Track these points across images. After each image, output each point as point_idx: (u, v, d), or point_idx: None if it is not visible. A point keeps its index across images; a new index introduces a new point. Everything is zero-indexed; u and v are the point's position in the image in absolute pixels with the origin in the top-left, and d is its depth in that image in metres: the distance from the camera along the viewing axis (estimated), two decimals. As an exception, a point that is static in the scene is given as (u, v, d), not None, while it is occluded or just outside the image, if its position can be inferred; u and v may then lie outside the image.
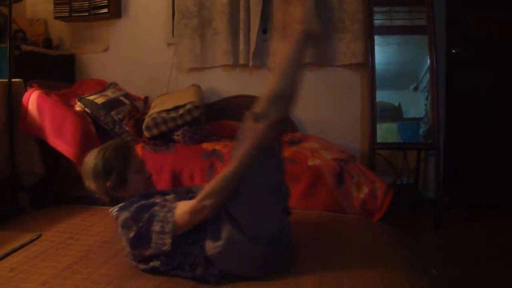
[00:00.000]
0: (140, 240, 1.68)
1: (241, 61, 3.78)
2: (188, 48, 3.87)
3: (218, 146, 3.06)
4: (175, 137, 3.17)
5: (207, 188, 1.65)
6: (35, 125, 3.14)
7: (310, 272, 1.71)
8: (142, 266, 1.76)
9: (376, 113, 3.49)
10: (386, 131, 3.65)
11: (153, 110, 3.26)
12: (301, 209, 2.68)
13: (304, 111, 3.84)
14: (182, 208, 1.66)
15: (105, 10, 3.96)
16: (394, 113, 3.79)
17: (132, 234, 1.68)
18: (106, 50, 4.16)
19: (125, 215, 1.72)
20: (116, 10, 4.04)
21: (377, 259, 1.86)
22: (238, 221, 1.64)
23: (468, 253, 2.89)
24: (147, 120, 3.16)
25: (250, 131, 1.70)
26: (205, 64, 3.90)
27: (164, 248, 1.65)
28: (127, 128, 3.27)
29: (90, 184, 1.85)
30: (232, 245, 1.63)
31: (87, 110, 3.25)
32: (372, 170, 3.27)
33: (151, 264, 1.72)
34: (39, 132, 3.14)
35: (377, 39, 3.66)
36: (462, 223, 3.48)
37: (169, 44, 4.00)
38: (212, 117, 3.67)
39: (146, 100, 3.69)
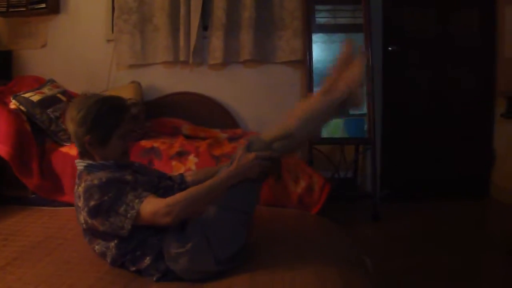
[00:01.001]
0: (98, 212, 1.65)
1: (182, 58, 3.77)
2: (128, 45, 3.83)
3: (156, 143, 3.06)
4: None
5: (178, 196, 1.66)
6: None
7: (243, 265, 1.73)
8: (96, 247, 1.76)
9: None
10: (332, 127, 3.71)
11: (91, 108, 3.22)
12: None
13: (245, 107, 3.90)
14: (150, 203, 1.63)
15: (43, 5, 3.86)
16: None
17: (93, 203, 1.64)
18: (44, 46, 4.06)
19: (92, 180, 1.67)
20: (54, 5, 3.95)
21: (312, 251, 1.91)
22: (208, 236, 1.67)
23: (404, 244, 3.01)
24: (84, 118, 3.13)
25: (241, 158, 1.74)
26: (146, 61, 3.87)
27: (122, 232, 1.64)
28: (63, 126, 3.22)
29: (71, 127, 1.78)
30: (195, 254, 1.65)
31: (22, 108, 3.17)
32: (310, 165, 3.36)
33: (109, 244, 1.72)
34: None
35: (321, 37, 3.72)
36: (400, 215, 3.58)
37: (109, 40, 3.95)
38: (153, 114, 3.66)
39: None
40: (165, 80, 3.94)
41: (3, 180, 3.07)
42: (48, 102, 3.30)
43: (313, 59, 3.62)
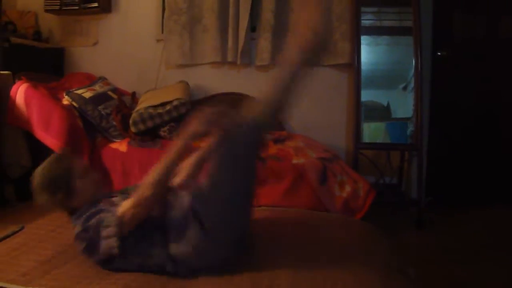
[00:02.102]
0: (90, 249, 1.69)
1: (229, 59, 3.80)
2: (177, 45, 3.88)
3: (203, 143, 3.09)
4: (162, 133, 3.20)
5: (145, 181, 1.65)
6: (22, 118, 3.16)
7: (285, 268, 1.72)
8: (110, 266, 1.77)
9: (360, 113, 3.54)
10: (374, 131, 3.70)
11: (140, 106, 3.29)
12: (284, 206, 2.73)
13: (291, 109, 3.87)
14: (125, 206, 1.64)
15: (95, 4, 3.95)
16: (382, 112, 3.83)
17: (83, 245, 1.69)
18: (95, 44, 4.16)
19: (77, 228, 1.72)
20: (106, 4, 4.04)
21: (354, 257, 1.88)
22: (204, 224, 1.66)
23: (448, 252, 2.93)
24: (134, 115, 3.19)
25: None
26: (194, 61, 3.92)
27: (113, 251, 1.64)
28: (114, 123, 3.29)
29: (42, 198, 1.80)
30: (197, 249, 1.66)
31: (75, 104, 3.26)
32: (355, 169, 3.33)
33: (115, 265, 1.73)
34: (26, 124, 3.16)
35: (366, 39, 3.70)
36: (444, 223, 3.51)
37: (158, 40, 4.02)
38: (199, 114, 3.70)
39: (133, 95, 3.71)
40: (213, 80, 3.97)
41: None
42: (99, 99, 3.38)
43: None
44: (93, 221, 1.67)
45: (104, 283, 1.63)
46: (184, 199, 1.77)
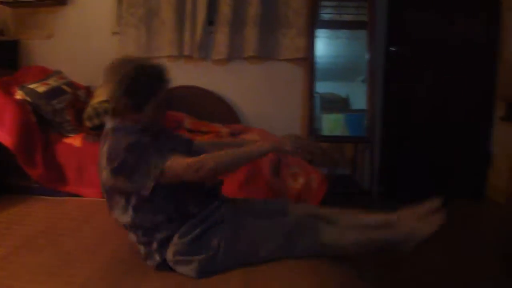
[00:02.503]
0: (121, 171, 1.70)
1: (186, 52, 3.81)
2: (134, 38, 3.87)
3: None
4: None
5: (214, 154, 1.75)
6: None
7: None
8: (116, 212, 1.83)
9: (314, 106, 3.61)
10: (333, 122, 3.76)
11: (95, 100, 3.27)
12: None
13: (247, 103, 3.94)
14: (177, 160, 1.69)
15: (50, -3, 3.92)
16: (341, 104, 3.91)
17: (116, 162, 1.69)
18: (51, 37, 4.10)
19: (118, 141, 1.73)
20: (61, -3, 4.00)
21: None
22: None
23: None
24: (88, 110, 3.17)
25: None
26: (150, 54, 3.89)
27: (143, 191, 1.69)
28: (68, 118, 3.26)
29: (107, 86, 1.83)
30: (200, 267, 1.73)
31: (28, 99, 3.21)
32: (309, 161, 3.39)
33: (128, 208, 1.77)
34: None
35: (326, 32, 3.78)
36: (395, 210, 3.60)
37: (114, 33, 3.99)
38: (156, 108, 3.70)
39: (88, 89, 3.68)
40: (169, 73, 3.95)
41: (7, 170, 3.13)
42: (53, 94, 3.34)
43: (317, 54, 3.66)
44: (138, 150, 1.71)
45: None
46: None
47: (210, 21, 3.86)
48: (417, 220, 1.98)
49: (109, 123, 1.85)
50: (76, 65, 3.97)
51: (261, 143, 1.87)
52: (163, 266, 1.78)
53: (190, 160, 1.69)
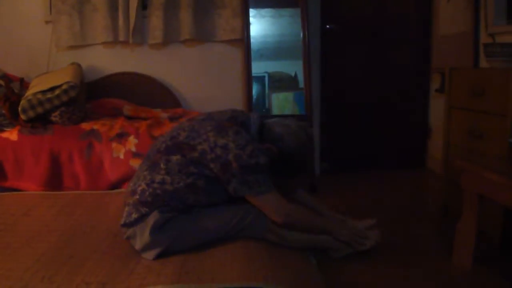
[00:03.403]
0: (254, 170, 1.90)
1: (121, 38, 3.76)
2: (67, 26, 3.78)
3: (96, 126, 3.10)
4: (53, 119, 3.15)
5: (302, 210, 2.14)
6: None
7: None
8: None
9: (251, 87, 3.65)
10: (283, 101, 3.82)
11: (30, 92, 3.21)
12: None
13: (186, 86, 3.95)
14: (275, 196, 1.95)
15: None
16: (290, 83, 3.97)
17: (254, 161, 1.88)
18: (-20, 28, 3.98)
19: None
20: (-11, -16, 3.87)
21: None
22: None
23: (340, 212, 3.12)
24: (23, 102, 3.11)
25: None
26: (85, 42, 3.84)
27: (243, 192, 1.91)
28: (3, 111, 3.20)
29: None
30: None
31: None
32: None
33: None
34: None
35: (269, 11, 3.81)
36: (338, 187, 3.73)
37: (47, 22, 3.89)
38: (94, 95, 3.68)
39: (22, 81, 3.61)
40: (106, 60, 3.92)
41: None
42: (-15, 87, 3.27)
43: (261, 33, 3.73)
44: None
45: None
46: None
47: (144, 5, 3.82)
48: (356, 234, 2.25)
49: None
50: (9, 56, 3.87)
51: (341, 230, 2.20)
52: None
53: (286, 205, 1.99)
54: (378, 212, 2.97)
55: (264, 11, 3.97)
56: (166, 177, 1.89)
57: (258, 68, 3.83)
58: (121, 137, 3.01)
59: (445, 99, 3.00)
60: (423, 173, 4.16)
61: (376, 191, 3.65)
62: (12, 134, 3.06)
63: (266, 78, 4.02)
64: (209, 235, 1.93)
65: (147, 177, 1.93)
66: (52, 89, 3.15)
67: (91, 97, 3.62)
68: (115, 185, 2.95)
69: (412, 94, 4.25)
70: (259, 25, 3.89)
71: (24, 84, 3.56)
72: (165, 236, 1.86)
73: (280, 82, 3.95)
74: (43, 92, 3.13)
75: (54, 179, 2.98)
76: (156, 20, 3.76)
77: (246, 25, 3.67)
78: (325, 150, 4.09)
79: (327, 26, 4.00)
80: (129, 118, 3.42)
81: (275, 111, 3.82)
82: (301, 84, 3.88)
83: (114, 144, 2.98)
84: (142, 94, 3.81)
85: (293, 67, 4.00)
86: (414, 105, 4.26)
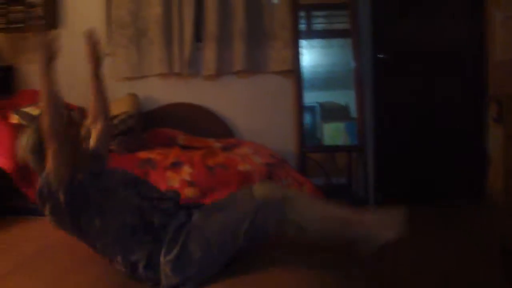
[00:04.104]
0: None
1: (176, 70, 3.88)
2: (125, 58, 3.94)
3: (152, 155, 3.17)
4: (111, 147, 3.24)
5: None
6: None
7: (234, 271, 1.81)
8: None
9: (303, 117, 3.66)
10: (334, 131, 3.80)
11: (89, 121, 3.32)
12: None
13: (238, 117, 3.99)
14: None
15: (42, 21, 3.99)
16: (341, 112, 3.95)
17: None
18: (43, 60, 4.17)
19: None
20: (52, 21, 4.07)
21: (297, 257, 1.96)
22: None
23: (395, 248, 3.02)
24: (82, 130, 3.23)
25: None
26: (142, 73, 3.98)
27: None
28: (63, 139, 3.32)
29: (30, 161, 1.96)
30: (200, 261, 1.74)
31: (23, 122, 3.29)
32: (303, 172, 3.45)
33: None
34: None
35: (319, 42, 3.85)
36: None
37: (105, 54, 4.05)
38: (150, 125, 3.76)
39: (82, 110, 3.74)
40: (161, 91, 4.04)
41: (6, 192, 3.19)
42: (47, 116, 3.40)
43: (312, 64, 3.76)
44: None
45: None
46: (181, 213, 1.88)
47: (198, 38, 3.93)
48: (382, 225, 1.93)
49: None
50: (70, 87, 4.03)
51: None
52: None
53: None
54: (431, 250, 2.88)
55: (314, 42, 4.00)
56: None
57: (309, 98, 3.84)
58: (176, 166, 3.06)
59: (503, 129, 2.90)
60: (482, 204, 3.97)
61: (431, 224, 3.52)
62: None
63: (317, 108, 4.01)
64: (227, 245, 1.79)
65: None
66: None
67: (146, 126, 3.71)
68: (169, 214, 2.99)
69: (468, 123, 4.11)
70: (309, 56, 3.91)
71: (83, 113, 3.68)
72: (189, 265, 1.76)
73: (331, 112, 3.94)
74: (102, 121, 3.23)
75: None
76: (209, 52, 3.85)
77: (297, 56, 3.70)
78: (379, 180, 4.01)
79: (379, 56, 3.98)
80: (184, 147, 3.48)
81: (327, 141, 3.80)
82: (353, 114, 3.86)
83: (169, 173, 3.02)
84: (196, 124, 3.88)
85: (344, 97, 3.98)
86: (470, 135, 4.12)
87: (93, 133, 2.27)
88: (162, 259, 1.74)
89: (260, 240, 1.85)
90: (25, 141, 1.94)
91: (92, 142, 2.22)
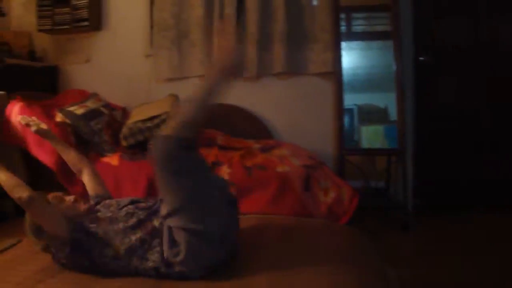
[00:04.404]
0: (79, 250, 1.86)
1: (216, 71, 3.90)
2: (166, 59, 4.01)
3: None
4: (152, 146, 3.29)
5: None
6: (18, 136, 3.27)
7: (262, 273, 1.80)
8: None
9: (343, 119, 3.64)
10: (372, 134, 3.76)
11: (130, 120, 3.40)
12: (269, 214, 2.82)
13: (278, 118, 4.00)
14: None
15: (86, 23, 4.10)
16: (380, 115, 3.91)
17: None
18: (88, 61, 4.29)
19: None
20: (96, 23, 4.18)
21: (335, 261, 1.95)
22: (187, 228, 1.75)
23: (431, 255, 2.98)
24: (124, 130, 3.30)
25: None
26: (183, 75, 4.03)
27: None
28: (105, 137, 3.40)
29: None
30: (190, 250, 1.75)
31: (67, 121, 3.37)
32: (341, 175, 3.43)
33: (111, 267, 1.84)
34: (22, 142, 3.26)
35: (358, 44, 3.83)
36: (432, 226, 3.57)
37: (147, 56, 4.14)
38: (190, 126, 3.80)
39: (124, 110, 3.83)
40: (201, 92, 4.06)
41: (50, 189, 3.27)
42: (91, 115, 3.49)
43: (350, 66, 3.73)
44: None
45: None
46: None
47: (239, 40, 3.96)
48: None
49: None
50: (112, 87, 4.13)
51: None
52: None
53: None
54: (468, 264, 2.81)
55: (353, 44, 3.97)
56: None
57: (347, 100, 3.79)
58: (215, 166, 3.07)
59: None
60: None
61: (472, 234, 3.41)
62: (113, 159, 3.23)
63: (355, 111, 3.98)
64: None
65: None
66: (151, 118, 3.31)
67: (186, 127, 3.75)
68: (207, 213, 3.01)
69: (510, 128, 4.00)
70: (348, 58, 3.87)
71: (125, 113, 3.77)
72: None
73: (369, 114, 3.91)
74: (143, 121, 3.31)
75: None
76: (250, 54, 3.87)
77: (338, 58, 3.69)
78: (419, 185, 3.94)
79: (421, 58, 3.93)
80: (222, 148, 3.50)
81: (364, 144, 3.76)
82: (391, 117, 3.82)
83: (208, 173, 3.04)
84: (235, 125, 3.91)
85: (383, 100, 3.94)
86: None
87: (86, 182, 2.26)
88: (172, 259, 1.77)
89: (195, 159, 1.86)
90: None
91: (90, 190, 2.23)
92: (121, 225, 1.85)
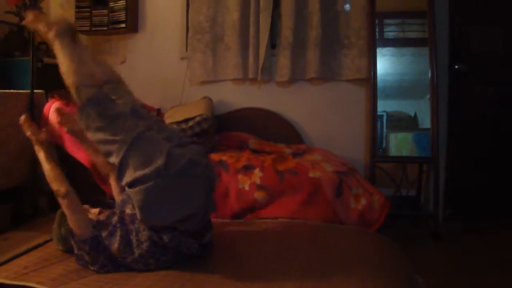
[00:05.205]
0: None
1: (250, 75, 3.94)
2: (201, 62, 4.06)
3: (224, 157, 3.22)
4: (185, 148, 3.34)
5: None
6: (55, 134, 3.34)
7: (293, 278, 1.83)
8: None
9: (376, 126, 3.62)
10: (401, 141, 3.73)
11: (166, 122, 3.44)
12: (300, 218, 2.84)
13: (310, 123, 4.01)
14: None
15: (123, 25, 4.18)
16: (409, 123, 3.88)
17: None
18: (123, 62, 4.36)
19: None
20: (133, 25, 4.26)
21: (365, 268, 1.96)
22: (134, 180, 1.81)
23: (461, 265, 2.95)
24: (159, 131, 3.35)
25: None
26: (217, 78, 4.08)
27: None
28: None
29: None
30: (144, 202, 1.80)
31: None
32: (372, 182, 3.42)
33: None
34: (59, 140, 3.34)
35: (390, 50, 3.80)
36: (462, 235, 3.53)
37: (182, 58, 4.20)
38: (222, 128, 3.84)
39: (159, 111, 3.88)
40: (235, 96, 4.12)
41: (85, 186, 3.33)
42: (126, 116, 3.54)
43: (381, 72, 3.70)
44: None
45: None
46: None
47: (273, 45, 3.99)
48: None
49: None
50: (147, 89, 4.20)
51: None
52: None
53: None
54: (497, 275, 2.76)
55: (385, 50, 3.95)
56: None
57: (378, 106, 3.79)
58: (247, 169, 3.10)
59: None
60: None
61: (503, 246, 3.35)
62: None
63: (385, 117, 3.96)
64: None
65: None
66: (186, 120, 3.35)
67: (219, 129, 3.79)
68: (238, 215, 3.03)
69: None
70: (380, 64, 3.86)
71: (160, 114, 3.82)
72: None
73: (399, 121, 3.87)
74: (178, 122, 3.35)
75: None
76: (284, 59, 3.89)
77: (373, 65, 3.67)
78: (451, 194, 3.90)
79: (456, 66, 3.88)
80: (254, 151, 3.52)
81: (392, 151, 3.72)
82: (421, 125, 3.78)
83: (240, 176, 3.07)
84: (267, 129, 3.93)
85: (413, 107, 3.90)
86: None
87: (113, 187, 2.43)
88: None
89: None
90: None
91: (115, 195, 2.41)
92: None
